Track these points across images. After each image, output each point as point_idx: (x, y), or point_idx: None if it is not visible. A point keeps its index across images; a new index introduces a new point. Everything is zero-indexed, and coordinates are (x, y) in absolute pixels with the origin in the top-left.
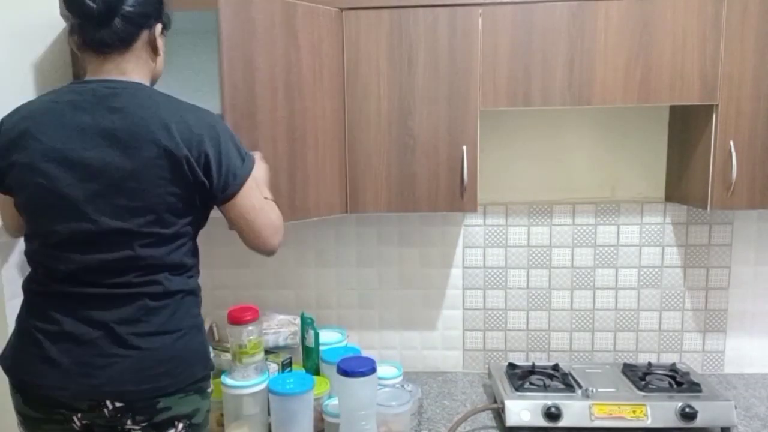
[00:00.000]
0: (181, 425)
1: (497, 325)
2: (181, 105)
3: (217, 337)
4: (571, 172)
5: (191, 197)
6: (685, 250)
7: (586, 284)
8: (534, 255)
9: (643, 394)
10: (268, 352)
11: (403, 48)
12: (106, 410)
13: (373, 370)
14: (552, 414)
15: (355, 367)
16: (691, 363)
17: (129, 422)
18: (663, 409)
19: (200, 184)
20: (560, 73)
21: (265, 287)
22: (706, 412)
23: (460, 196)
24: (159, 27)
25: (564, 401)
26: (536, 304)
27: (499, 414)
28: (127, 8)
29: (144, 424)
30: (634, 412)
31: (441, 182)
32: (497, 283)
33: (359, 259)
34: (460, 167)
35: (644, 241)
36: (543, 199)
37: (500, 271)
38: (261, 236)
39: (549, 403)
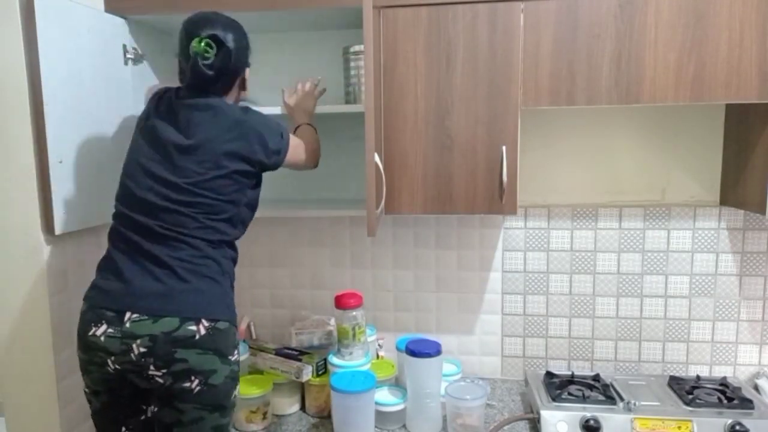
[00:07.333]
0: (197, 380)
1: (538, 332)
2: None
3: (254, 336)
4: (617, 173)
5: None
6: (741, 258)
7: (632, 291)
8: (577, 260)
9: (690, 409)
10: (303, 352)
11: (442, 46)
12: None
13: (439, 352)
14: (590, 427)
15: (423, 349)
16: (745, 377)
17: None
18: (711, 426)
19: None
20: (606, 71)
21: (301, 287)
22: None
23: (498, 198)
24: (248, 71)
25: (604, 414)
26: (579, 311)
27: (535, 424)
28: (234, 68)
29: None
30: (679, 428)
31: (479, 183)
32: (538, 288)
33: (395, 261)
34: (499, 168)
35: (697, 247)
36: (587, 202)
37: (541, 275)
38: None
39: (588, 415)
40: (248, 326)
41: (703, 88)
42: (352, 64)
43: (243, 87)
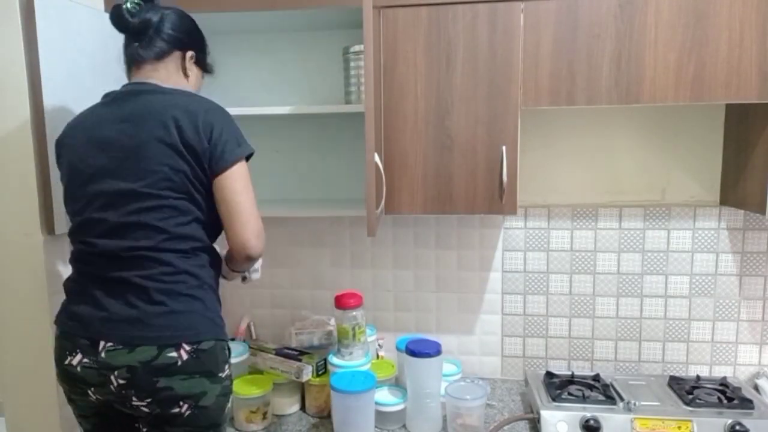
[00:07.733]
0: (186, 405)
1: (537, 332)
2: (192, 95)
3: (254, 336)
4: (617, 173)
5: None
6: (741, 258)
7: (632, 291)
8: (577, 260)
9: (690, 409)
10: (303, 352)
11: (442, 46)
12: (112, 386)
13: (439, 352)
14: (590, 427)
15: (423, 349)
16: (745, 377)
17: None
18: (711, 426)
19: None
20: (606, 70)
21: (301, 287)
22: (759, 431)
23: (498, 198)
24: (190, 54)
25: (604, 414)
26: (579, 311)
27: (535, 424)
28: (162, 28)
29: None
30: (679, 428)
31: (479, 183)
32: (538, 288)
33: (395, 261)
34: (499, 168)
35: (696, 247)
36: (587, 202)
37: (541, 275)
38: (245, 231)
39: (588, 415)
40: (248, 326)
41: (703, 88)
42: (352, 64)
43: (185, 73)
